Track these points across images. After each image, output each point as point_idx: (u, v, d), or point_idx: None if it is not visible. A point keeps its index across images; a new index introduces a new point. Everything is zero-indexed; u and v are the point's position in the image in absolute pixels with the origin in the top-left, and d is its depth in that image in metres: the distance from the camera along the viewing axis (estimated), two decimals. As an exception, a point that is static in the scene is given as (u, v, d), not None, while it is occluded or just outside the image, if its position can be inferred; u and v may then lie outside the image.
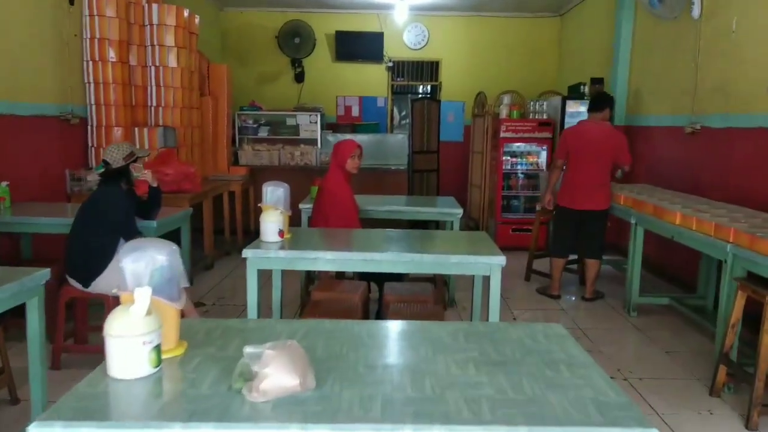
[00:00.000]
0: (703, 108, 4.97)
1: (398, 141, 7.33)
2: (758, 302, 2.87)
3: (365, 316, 3.29)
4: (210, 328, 1.68)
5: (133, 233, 3.35)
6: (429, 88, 9.59)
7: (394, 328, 1.81)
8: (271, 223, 2.95)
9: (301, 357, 1.33)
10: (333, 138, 7.17)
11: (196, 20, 6.01)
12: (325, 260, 2.82)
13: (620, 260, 5.69)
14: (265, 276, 3.12)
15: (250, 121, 7.24)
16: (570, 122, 6.39)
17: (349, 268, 2.88)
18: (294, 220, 3.55)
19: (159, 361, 1.41)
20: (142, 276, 1.46)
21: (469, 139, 8.52)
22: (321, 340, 1.62)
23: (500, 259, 2.77)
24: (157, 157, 5.13)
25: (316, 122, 7.15)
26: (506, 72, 9.17)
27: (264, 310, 3.18)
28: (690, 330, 4.22)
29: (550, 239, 5.03)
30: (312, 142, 7.21)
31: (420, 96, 7.78)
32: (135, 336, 1.35)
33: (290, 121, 7.21)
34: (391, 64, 9.34)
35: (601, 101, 4.88)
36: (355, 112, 9.54)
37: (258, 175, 6.87)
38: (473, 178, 7.83)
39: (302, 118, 7.19)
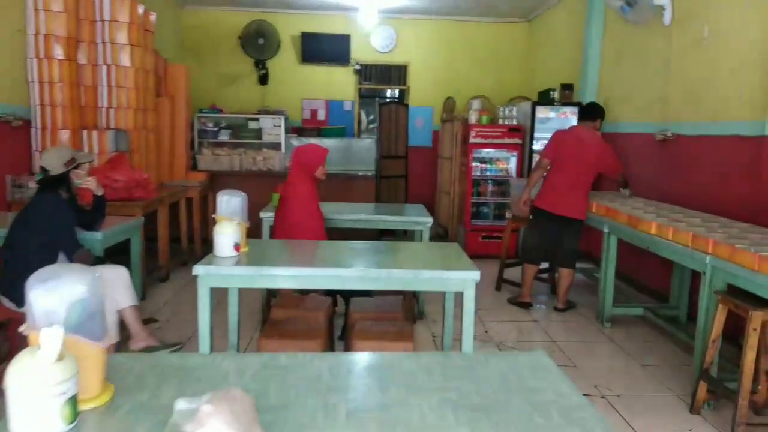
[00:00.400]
0: (674, 115, 4.91)
1: (365, 146, 7.13)
2: (739, 316, 2.76)
3: (330, 335, 3.06)
4: (143, 368, 1.43)
5: (74, 246, 3.06)
6: (397, 92, 9.41)
7: (360, 362, 1.60)
8: (226, 235, 2.70)
9: (246, 410, 1.10)
10: (297, 142, 6.91)
11: (152, 17, 5.70)
12: (286, 277, 2.58)
13: (592, 269, 5.59)
14: (222, 291, 2.88)
15: (211, 125, 6.92)
16: (540, 128, 6.31)
17: (312, 285, 2.65)
18: (254, 231, 3.31)
19: (74, 416, 1.16)
20: (56, 312, 1.21)
21: (438, 145, 8.38)
22: (274, 382, 1.39)
23: (474, 275, 2.58)
24: (107, 163, 4.80)
25: (279, 126, 6.89)
26: (475, 77, 9.07)
27: (220, 329, 2.93)
28: (665, 341, 4.12)
29: (523, 245, 4.88)
30: (275, 146, 6.95)
31: (388, 100, 7.57)
32: (42, 387, 1.10)
33: (253, 125, 6.92)
34: (358, 67, 9.13)
35: (594, 111, 4.79)
36: (321, 115, 9.30)
37: (218, 181, 6.57)
38: (442, 184, 7.68)
39: (265, 122, 6.92)
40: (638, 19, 5.05)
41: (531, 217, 4.81)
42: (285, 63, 8.99)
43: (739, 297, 2.81)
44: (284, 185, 3.87)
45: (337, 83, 9.20)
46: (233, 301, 3.13)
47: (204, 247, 6.20)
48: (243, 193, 2.90)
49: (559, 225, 4.62)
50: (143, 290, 4.54)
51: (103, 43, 5.17)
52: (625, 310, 4.47)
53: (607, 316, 4.37)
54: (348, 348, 2.81)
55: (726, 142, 4.22)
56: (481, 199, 6.72)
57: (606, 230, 4.32)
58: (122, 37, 5.18)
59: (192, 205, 5.99)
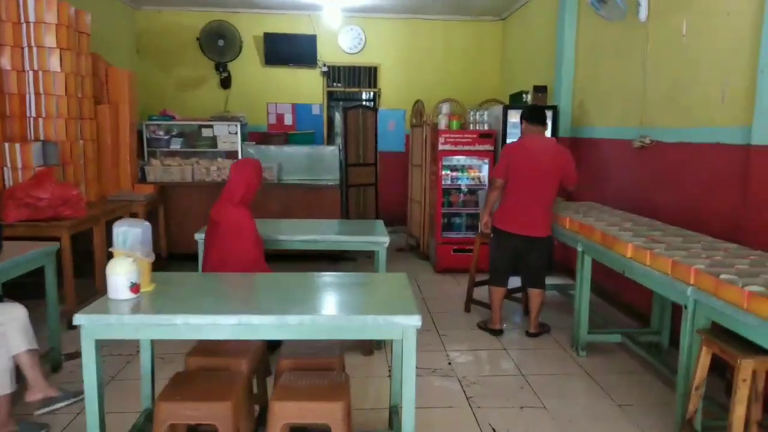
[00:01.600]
0: (653, 119, 4.54)
1: (332, 153, 6.68)
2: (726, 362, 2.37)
3: (250, 391, 2.61)
4: None
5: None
6: (371, 94, 8.99)
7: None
8: (119, 275, 2.26)
9: None
10: (254, 150, 6.45)
11: (87, 18, 5.22)
12: (187, 327, 2.14)
13: (568, 285, 5.21)
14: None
15: (161, 132, 6.44)
16: (513, 133, 5.89)
17: (217, 336, 2.21)
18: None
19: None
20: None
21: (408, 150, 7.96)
22: None
23: (414, 320, 2.16)
24: (32, 179, 4.32)
25: (235, 133, 6.41)
26: (448, 79, 8.69)
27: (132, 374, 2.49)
28: (645, 371, 3.73)
29: (489, 266, 4.47)
30: (232, 155, 6.48)
31: (354, 104, 7.14)
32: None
33: (207, 132, 6.45)
34: (326, 69, 8.70)
35: (544, 114, 4.36)
36: (288, 120, 8.87)
37: (169, 193, 6.11)
38: (413, 193, 7.27)
39: (220, 129, 6.44)
40: (610, 16, 4.66)
41: (492, 236, 4.41)
42: (248, 65, 8.55)
43: (726, 337, 2.42)
44: (216, 205, 3.43)
45: (304, 86, 8.77)
46: (145, 344, 2.67)
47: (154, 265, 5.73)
48: (146, 223, 2.46)
49: (524, 243, 4.22)
50: (68, 321, 4.06)
51: (29, 47, 4.69)
52: (602, 337, 4.07)
53: (583, 344, 3.97)
54: (265, 411, 2.38)
55: (708, 150, 3.85)
56: (453, 210, 6.30)
57: (580, 249, 3.92)
58: (50, 40, 4.71)
59: (137, 222, 5.50)
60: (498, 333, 4.36)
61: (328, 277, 2.78)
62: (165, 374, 2.85)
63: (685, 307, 2.69)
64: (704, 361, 2.51)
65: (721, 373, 3.23)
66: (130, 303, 2.25)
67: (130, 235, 2.38)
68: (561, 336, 4.35)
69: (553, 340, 4.29)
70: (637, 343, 3.86)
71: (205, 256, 3.45)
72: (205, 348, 2.63)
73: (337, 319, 2.17)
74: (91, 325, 2.12)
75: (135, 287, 2.30)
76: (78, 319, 2.11)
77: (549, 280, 5.56)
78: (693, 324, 2.64)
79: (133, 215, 5.43)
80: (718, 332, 2.53)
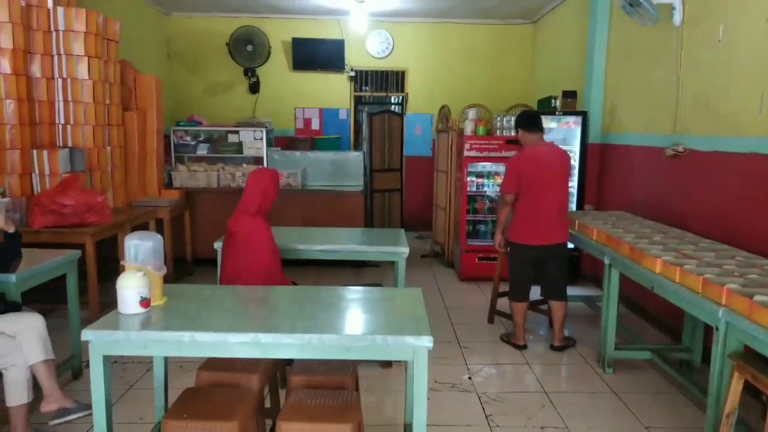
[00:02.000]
0: (686, 127, 4.36)
1: (355, 159, 6.64)
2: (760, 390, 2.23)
3: (260, 409, 2.57)
4: None
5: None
6: (399, 99, 8.93)
7: None
8: (129, 290, 2.24)
9: None
10: (279, 156, 6.45)
11: (116, 26, 5.29)
12: (194, 344, 2.11)
13: (596, 296, 5.04)
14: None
15: (188, 138, 6.50)
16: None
17: (225, 354, 2.17)
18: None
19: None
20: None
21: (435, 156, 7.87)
22: None
23: (426, 341, 2.08)
24: (58, 185, 4.39)
25: (261, 139, 6.43)
26: (475, 83, 8.57)
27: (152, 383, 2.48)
28: (675, 392, 3.56)
29: (509, 281, 4.36)
30: (258, 161, 6.50)
31: (379, 110, 7.09)
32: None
33: (233, 138, 6.48)
34: (353, 74, 8.68)
35: (539, 119, 4.21)
36: (315, 125, 8.88)
37: (195, 199, 6.16)
38: (438, 199, 7.17)
39: (246, 135, 6.47)
40: (643, 20, 4.49)
41: (508, 250, 4.30)
42: (276, 70, 8.58)
43: (760, 364, 2.28)
44: (233, 216, 3.41)
45: (332, 91, 8.77)
46: (158, 357, 2.66)
47: (176, 271, 5.80)
48: (157, 236, 2.45)
49: (542, 254, 4.11)
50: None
51: (59, 54, 4.77)
52: (630, 354, 3.92)
53: (609, 360, 3.82)
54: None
55: (745, 160, 3.66)
56: (478, 217, 6.19)
57: (607, 261, 3.78)
58: (79, 48, 4.78)
59: (163, 226, 5.56)
60: (522, 348, 4.23)
61: (340, 291, 2.72)
62: (182, 383, 2.85)
63: (716, 329, 2.55)
64: (736, 387, 2.36)
65: (757, 393, 3.06)
66: (139, 318, 2.23)
67: (142, 249, 2.36)
68: (587, 350, 4.20)
69: (579, 355, 4.15)
70: (667, 360, 3.70)
71: (222, 267, 3.43)
72: (218, 362, 2.60)
73: (345, 339, 2.11)
74: (98, 340, 2.10)
75: (145, 302, 2.28)
76: (86, 334, 2.10)
77: (576, 291, 5.46)
78: (724, 347, 2.50)
79: (159, 221, 5.50)
80: (752, 357, 2.39)
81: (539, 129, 4.15)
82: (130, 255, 2.37)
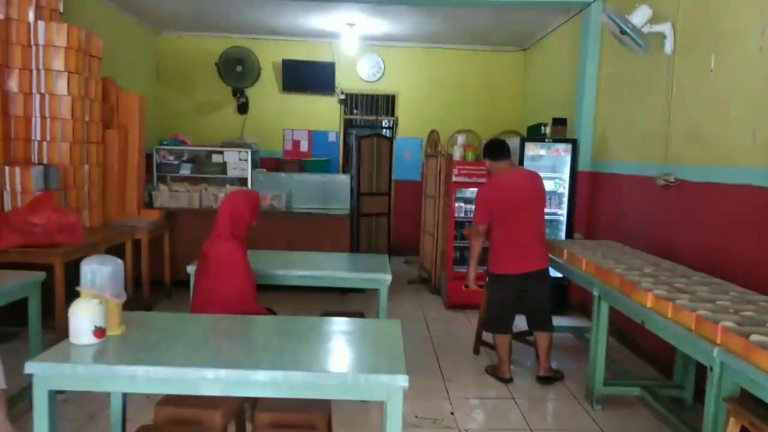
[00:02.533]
0: (677, 157, 4.27)
1: (341, 182, 6.52)
2: None
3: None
4: None
5: None
6: (390, 122, 8.86)
7: None
8: (82, 318, 2.08)
9: None
10: (264, 178, 6.32)
11: (99, 42, 5.17)
12: (148, 380, 1.94)
13: (583, 327, 4.90)
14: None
15: (172, 157, 6.36)
16: (530, 167, 5.66)
17: (182, 390, 2.01)
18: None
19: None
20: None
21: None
22: None
23: (399, 381, 1.93)
24: (30, 204, 4.23)
25: (246, 159, 6.30)
26: (466, 109, 8.53)
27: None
28: (666, 431, 3.41)
29: (488, 313, 4.22)
30: (242, 182, 6.37)
31: (368, 133, 7.01)
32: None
33: (217, 158, 6.35)
34: (343, 97, 8.62)
35: (502, 146, 4.12)
36: (304, 147, 8.79)
37: (176, 219, 5.99)
38: (426, 224, 7.05)
39: (230, 155, 6.34)
40: (635, 50, 4.44)
41: (487, 281, 4.17)
42: (265, 91, 8.51)
43: (759, 409, 2.14)
44: (209, 239, 3.25)
45: (322, 113, 8.69)
46: (116, 406, 2.47)
47: (154, 294, 5.61)
48: (117, 260, 2.29)
49: (522, 282, 4.00)
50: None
51: (37, 69, 4.65)
52: (620, 390, 3.76)
53: (598, 397, 3.66)
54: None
55: (737, 191, 3.57)
56: (466, 243, 6.03)
57: (596, 294, 3.65)
58: (59, 63, 4.65)
59: (140, 248, 5.38)
60: (507, 382, 4.07)
61: (314, 322, 2.57)
62: (147, 416, 2.66)
63: (711, 369, 2.41)
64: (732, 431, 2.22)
65: None
66: (91, 350, 2.06)
67: (100, 274, 2.20)
68: (575, 385, 4.04)
69: (566, 390, 3.99)
70: (658, 398, 3.54)
71: (195, 292, 3.26)
72: (178, 396, 2.42)
73: (314, 377, 1.95)
74: (43, 374, 1.93)
75: (99, 331, 2.11)
76: (29, 367, 1.93)
77: (564, 321, 5.32)
78: (719, 390, 2.36)
79: (137, 241, 5.33)
80: (749, 400, 2.24)
81: (505, 156, 4.07)
82: (87, 280, 2.21)
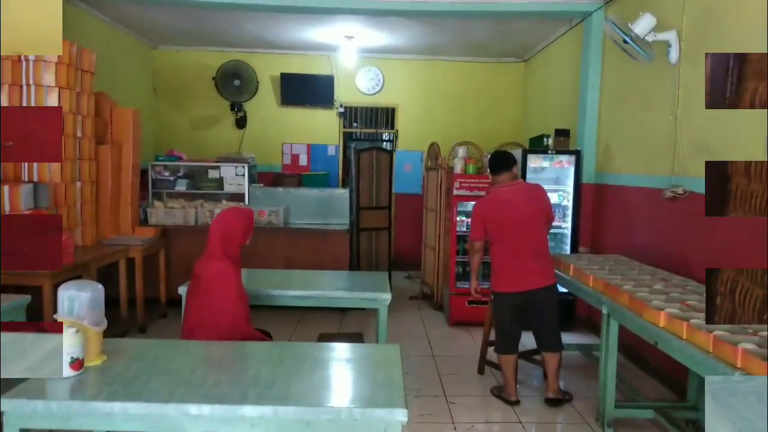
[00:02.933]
0: (685, 168, 4.14)
1: (340, 196, 6.39)
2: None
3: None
4: None
5: None
6: (390, 135, 8.76)
7: None
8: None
9: None
10: (261, 193, 6.19)
11: (92, 57, 5.08)
12: (125, 417, 1.80)
13: (592, 345, 4.73)
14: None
15: (167, 173, 6.25)
16: (532, 179, 5.54)
17: (159, 429, 1.86)
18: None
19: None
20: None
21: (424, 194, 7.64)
22: None
23: (398, 415, 1.79)
24: (18, 222, 4.09)
25: (243, 175, 6.18)
26: (466, 121, 8.42)
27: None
28: (681, 457, 3.24)
29: (495, 333, 4.06)
30: (239, 197, 6.24)
31: (368, 146, 6.89)
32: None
33: (213, 174, 6.24)
34: (342, 110, 8.52)
35: (503, 158, 3.96)
36: (303, 160, 8.67)
37: (171, 236, 5.86)
38: (427, 238, 6.90)
39: (227, 170, 6.23)
40: (640, 59, 4.32)
41: (491, 299, 4.03)
42: (264, 105, 8.41)
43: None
44: (201, 258, 3.12)
45: (321, 126, 8.59)
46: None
47: (149, 313, 5.46)
48: (97, 285, 2.16)
49: (526, 300, 3.83)
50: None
51: (27, 85, 4.55)
52: (631, 412, 3.60)
53: (609, 419, 3.50)
54: None
55: (750, 204, 3.42)
56: (468, 258, 5.91)
57: (605, 311, 3.50)
58: (49, 78, 4.56)
59: (134, 266, 5.25)
60: (514, 404, 3.90)
61: (307, 349, 2.42)
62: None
63: (731, 396, 2.26)
64: (757, 467, 2.06)
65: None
66: (68, 383, 1.92)
67: (77, 300, 2.07)
68: (584, 406, 3.88)
69: (575, 412, 3.83)
70: (672, 421, 3.38)
71: (185, 314, 3.12)
72: None
73: (305, 412, 1.81)
74: (14, 411, 1.79)
75: (76, 363, 1.97)
76: (2, 404, 1.79)
77: (571, 338, 5.15)
78: (741, 418, 2.20)
79: (131, 260, 5.20)
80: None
81: (504, 169, 3.90)
82: (64, 308, 2.08)
